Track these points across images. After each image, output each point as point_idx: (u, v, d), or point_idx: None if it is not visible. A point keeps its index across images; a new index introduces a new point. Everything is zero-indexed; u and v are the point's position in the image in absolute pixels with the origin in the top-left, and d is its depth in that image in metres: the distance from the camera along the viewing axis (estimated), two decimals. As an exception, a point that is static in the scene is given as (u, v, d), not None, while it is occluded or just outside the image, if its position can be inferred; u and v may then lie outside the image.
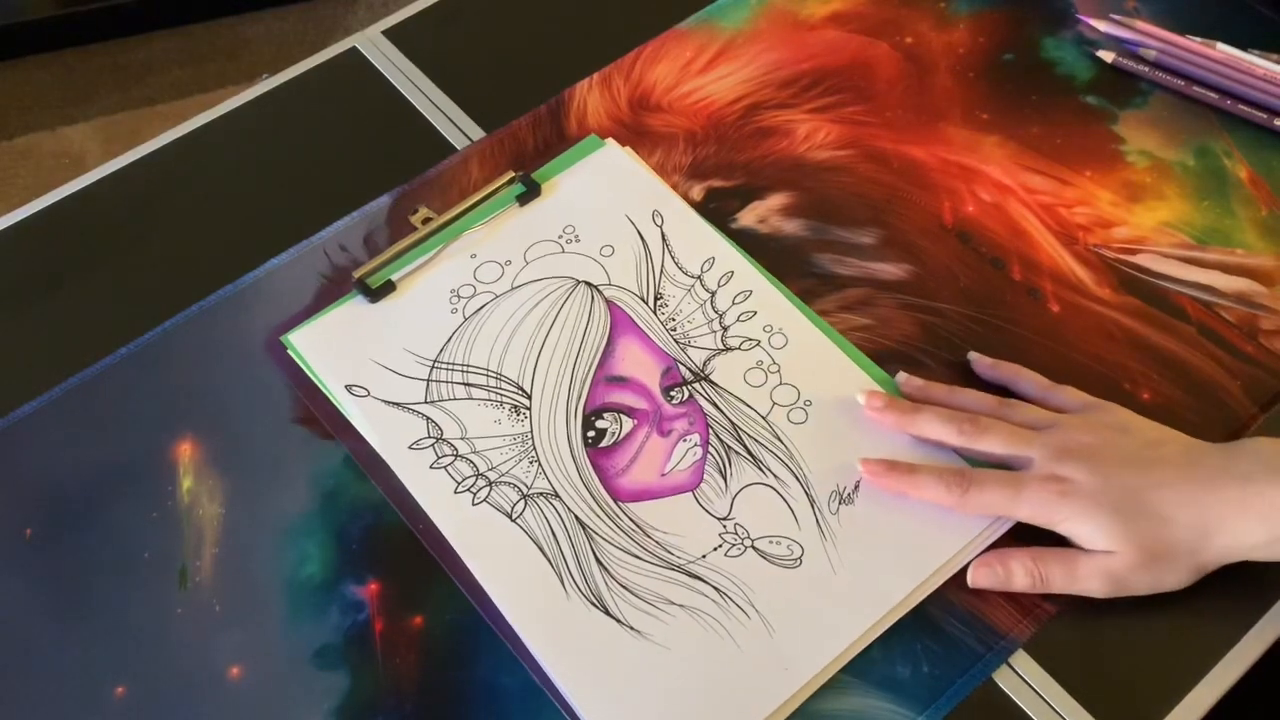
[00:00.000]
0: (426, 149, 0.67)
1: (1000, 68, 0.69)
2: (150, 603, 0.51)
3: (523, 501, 0.53)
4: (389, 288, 0.60)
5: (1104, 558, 0.48)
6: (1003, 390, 0.55)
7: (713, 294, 0.59)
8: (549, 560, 0.51)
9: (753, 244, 0.61)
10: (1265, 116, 0.66)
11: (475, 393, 0.56)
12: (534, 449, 0.54)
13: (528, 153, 0.66)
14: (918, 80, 0.69)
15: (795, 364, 0.57)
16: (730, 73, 0.69)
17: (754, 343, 0.57)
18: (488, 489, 0.53)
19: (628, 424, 0.55)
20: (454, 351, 0.58)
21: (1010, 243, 0.62)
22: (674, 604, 0.50)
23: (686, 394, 0.56)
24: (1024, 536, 0.51)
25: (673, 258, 0.61)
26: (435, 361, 0.57)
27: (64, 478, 0.55)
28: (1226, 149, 0.65)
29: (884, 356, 0.57)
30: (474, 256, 0.61)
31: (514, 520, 0.52)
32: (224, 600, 0.51)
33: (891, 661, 0.49)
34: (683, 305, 0.59)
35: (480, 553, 0.52)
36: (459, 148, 0.67)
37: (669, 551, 0.51)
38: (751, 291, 0.59)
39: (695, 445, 0.54)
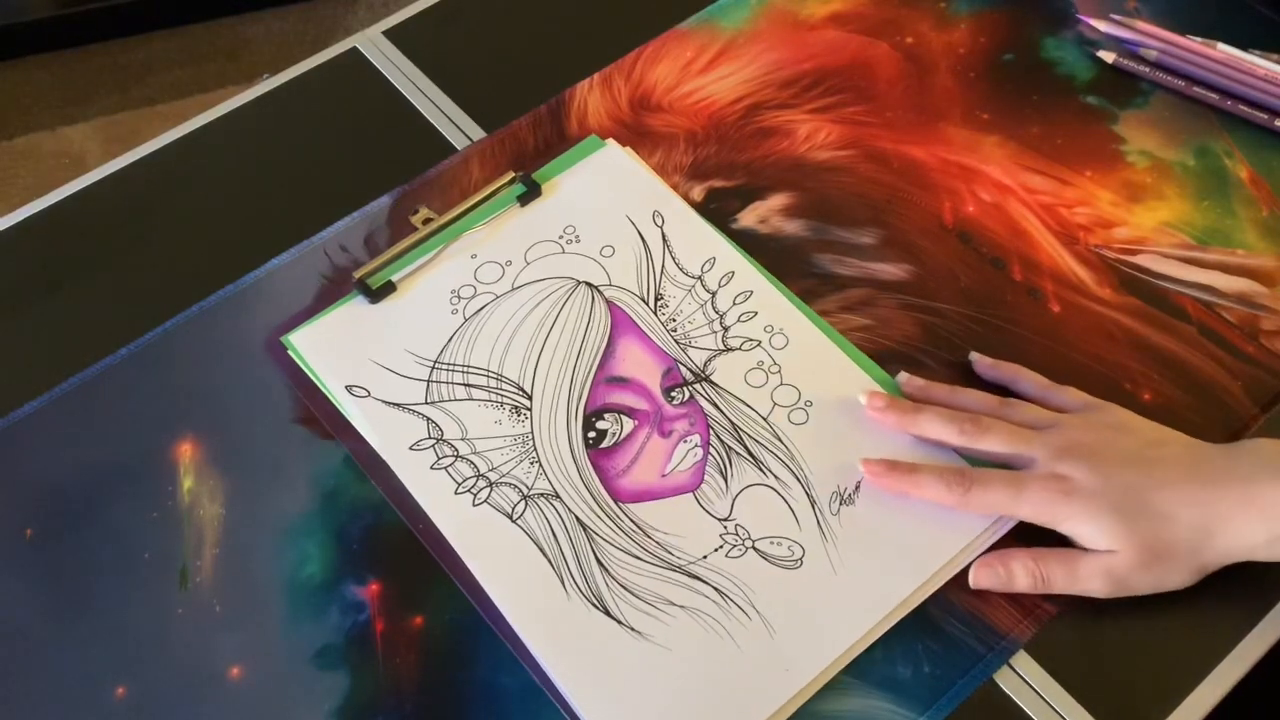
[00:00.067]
0: (427, 149, 0.67)
1: (1001, 68, 0.69)
2: (150, 603, 0.51)
3: (523, 502, 0.53)
4: (389, 288, 0.60)
5: (1105, 557, 0.48)
6: (1003, 390, 0.55)
7: (713, 294, 0.59)
8: (549, 561, 0.51)
9: (753, 244, 0.61)
10: (1266, 117, 0.66)
11: (476, 393, 0.56)
12: (534, 450, 0.54)
13: (528, 153, 0.66)
14: (918, 80, 0.69)
15: (796, 364, 0.57)
16: (731, 73, 0.69)
17: (754, 343, 0.57)
18: (488, 490, 0.53)
19: (628, 425, 0.55)
20: (454, 352, 0.58)
21: (1011, 243, 0.62)
22: (674, 605, 0.50)
23: (687, 394, 0.56)
24: (1025, 537, 0.51)
25: (673, 258, 0.61)
26: (436, 362, 0.57)
27: (64, 478, 0.55)
28: (1227, 149, 0.65)
29: (884, 356, 0.57)
30: (474, 257, 0.61)
31: (514, 521, 0.52)
32: (224, 600, 0.51)
33: (892, 662, 0.49)
34: (683, 306, 0.59)
35: (481, 553, 0.52)
36: (459, 148, 0.67)
37: (669, 552, 0.51)
38: (752, 292, 0.59)
39: (696, 446, 0.54)
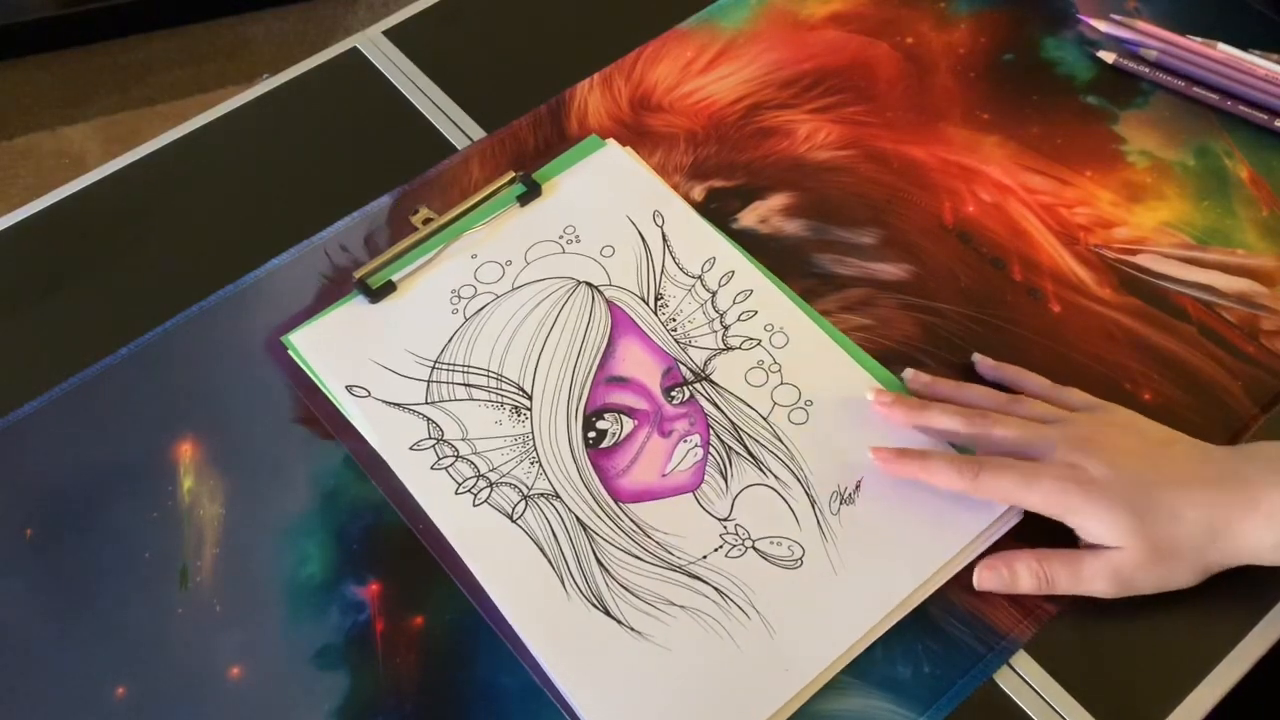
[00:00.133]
0: (427, 149, 0.67)
1: (1001, 68, 0.69)
2: (150, 603, 0.51)
3: (523, 502, 0.53)
4: (389, 288, 0.60)
5: (1110, 555, 0.48)
6: (1006, 391, 0.55)
7: (713, 294, 0.59)
8: (549, 561, 0.51)
9: (753, 244, 0.61)
10: (1266, 117, 0.66)
11: (476, 393, 0.56)
12: (535, 450, 0.54)
13: (528, 153, 0.66)
14: (918, 80, 0.69)
15: (796, 363, 0.57)
16: (731, 73, 0.69)
17: (755, 342, 0.57)
18: (488, 490, 0.53)
19: (628, 424, 0.55)
20: (455, 352, 0.58)
21: (1011, 243, 0.62)
22: (674, 605, 0.50)
23: (687, 394, 0.56)
24: (1026, 538, 0.51)
25: (673, 258, 0.61)
26: (436, 362, 0.57)
27: (64, 478, 0.55)
28: (1227, 149, 0.65)
29: (884, 356, 0.57)
30: (475, 257, 0.61)
31: (515, 521, 0.52)
32: (224, 600, 0.51)
33: (892, 662, 0.49)
34: (683, 305, 0.59)
35: (481, 553, 0.52)
36: (459, 148, 0.67)
37: (669, 552, 0.51)
38: (752, 291, 0.59)
39: (696, 446, 0.54)
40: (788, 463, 0.54)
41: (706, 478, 0.53)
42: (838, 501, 0.52)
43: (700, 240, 0.61)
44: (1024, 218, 0.63)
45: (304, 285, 0.61)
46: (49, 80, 1.78)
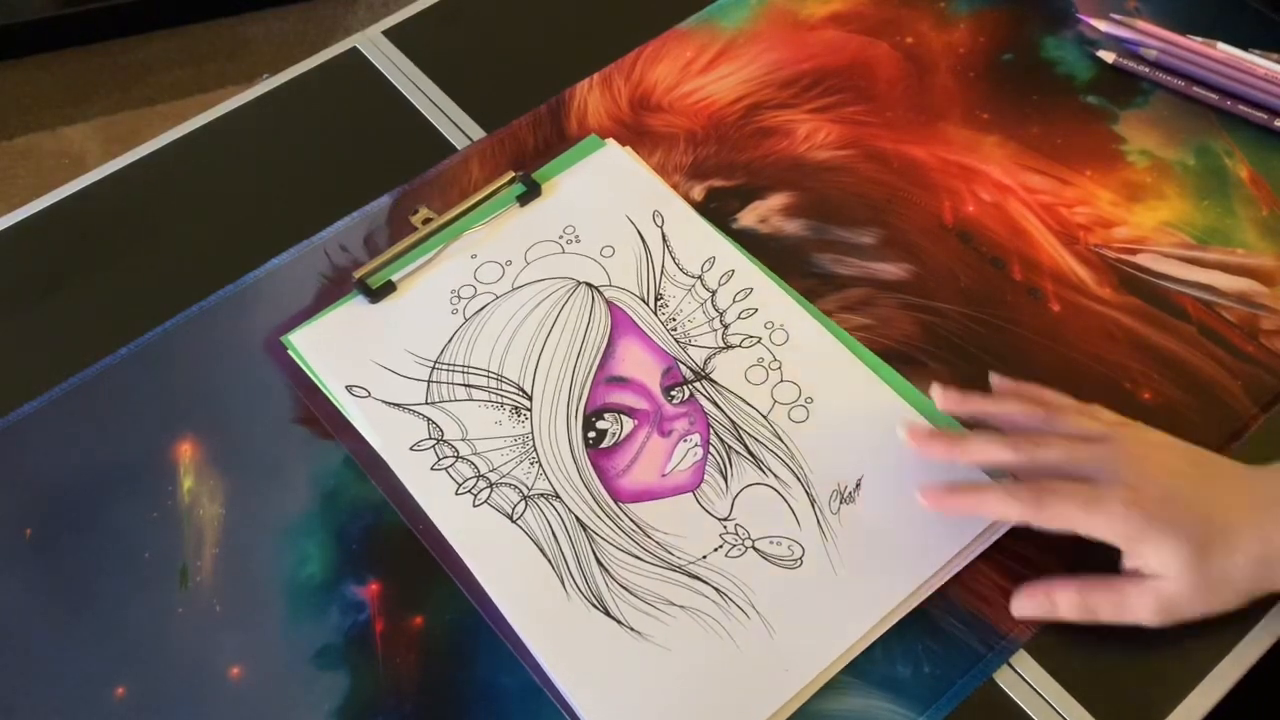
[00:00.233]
0: (427, 149, 0.67)
1: (1000, 68, 0.69)
2: (150, 603, 0.51)
3: (523, 502, 0.53)
4: (389, 288, 0.60)
5: (1158, 586, 0.46)
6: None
7: (713, 293, 0.59)
8: (549, 561, 0.51)
9: (753, 244, 0.61)
10: (1265, 116, 0.66)
11: (476, 394, 0.56)
12: (535, 450, 0.54)
13: (528, 153, 0.66)
14: (918, 80, 0.69)
15: (796, 360, 0.57)
16: (731, 73, 0.69)
17: (754, 340, 0.57)
18: (488, 490, 0.53)
19: (628, 424, 0.55)
20: (455, 352, 0.58)
21: (1010, 242, 0.62)
22: (674, 605, 0.50)
23: (687, 393, 0.56)
24: (1028, 538, 0.51)
25: (673, 258, 0.61)
26: (436, 362, 0.57)
27: (64, 478, 0.55)
28: (1227, 149, 0.65)
29: (884, 356, 0.57)
30: (474, 257, 0.61)
31: (515, 521, 0.52)
32: (224, 600, 0.51)
33: (892, 661, 0.49)
34: (683, 305, 0.59)
35: (481, 554, 0.52)
36: (459, 148, 0.67)
37: (669, 552, 0.51)
38: (752, 289, 0.59)
39: (696, 445, 0.54)
40: (787, 461, 0.54)
41: (706, 477, 0.53)
42: (838, 500, 0.52)
43: (700, 240, 0.61)
44: (1024, 217, 0.63)
45: (304, 285, 0.61)
46: (49, 80, 1.78)
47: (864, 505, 0.52)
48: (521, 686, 0.49)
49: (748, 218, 0.63)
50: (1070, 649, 0.49)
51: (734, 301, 0.59)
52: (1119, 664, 0.49)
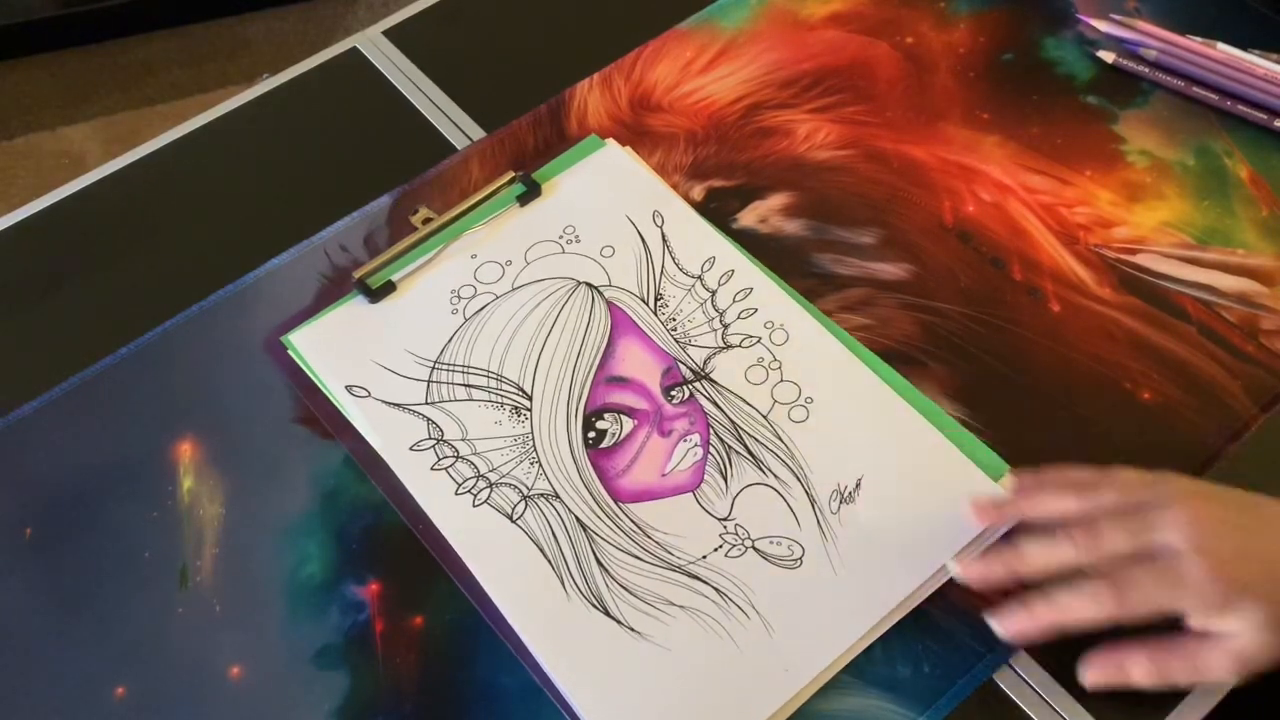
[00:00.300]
0: (426, 149, 0.67)
1: (1000, 68, 0.69)
2: (150, 603, 0.51)
3: (523, 502, 0.53)
4: (389, 288, 0.60)
5: (1230, 645, 0.45)
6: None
7: (713, 293, 0.59)
8: (549, 561, 0.51)
9: (753, 244, 0.61)
10: (1265, 117, 0.66)
11: (476, 394, 0.56)
12: (534, 450, 0.54)
13: (528, 153, 0.66)
14: (918, 80, 0.69)
15: (796, 360, 0.57)
16: (731, 73, 0.69)
17: (754, 339, 0.57)
18: (488, 490, 0.53)
19: (628, 424, 0.55)
20: (455, 352, 0.58)
21: (1010, 242, 0.62)
22: (674, 605, 0.50)
23: (687, 393, 0.56)
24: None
25: (673, 258, 0.61)
26: (436, 362, 0.57)
27: (64, 478, 0.55)
28: (1227, 149, 0.65)
29: (884, 356, 0.57)
30: (474, 257, 0.61)
31: (514, 521, 0.52)
32: (224, 600, 0.51)
33: (892, 662, 0.49)
34: (683, 305, 0.59)
35: (481, 554, 0.52)
36: (459, 148, 0.67)
37: (669, 552, 0.51)
38: (752, 289, 0.59)
39: (696, 445, 0.54)
40: (787, 461, 0.54)
41: (706, 477, 0.53)
42: (838, 500, 0.52)
43: (700, 240, 0.61)
44: (1024, 217, 0.63)
45: (304, 285, 0.61)
46: (49, 80, 1.78)
47: (864, 505, 0.52)
48: (521, 686, 0.49)
49: (748, 218, 0.63)
50: (1070, 649, 0.49)
51: (734, 301, 0.59)
52: (1119, 664, 0.49)
